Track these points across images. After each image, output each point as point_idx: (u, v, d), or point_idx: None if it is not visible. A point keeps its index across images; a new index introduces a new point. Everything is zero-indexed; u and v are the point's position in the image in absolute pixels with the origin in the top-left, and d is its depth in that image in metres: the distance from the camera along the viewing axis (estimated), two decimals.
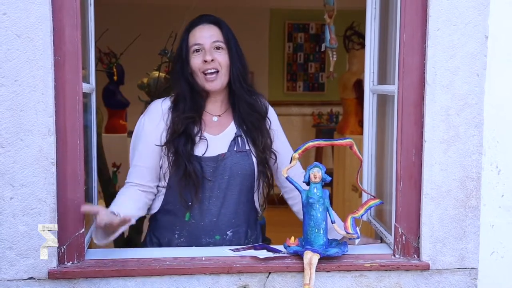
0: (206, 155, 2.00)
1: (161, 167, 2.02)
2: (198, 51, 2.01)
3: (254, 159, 2.04)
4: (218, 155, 2.01)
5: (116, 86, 4.99)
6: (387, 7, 2.09)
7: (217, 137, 2.04)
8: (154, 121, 2.03)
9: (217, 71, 2.00)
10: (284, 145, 2.17)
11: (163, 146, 1.99)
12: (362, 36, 4.63)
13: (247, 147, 2.05)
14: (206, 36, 2.01)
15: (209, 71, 1.99)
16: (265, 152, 2.05)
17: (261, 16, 6.86)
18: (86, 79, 1.99)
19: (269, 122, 2.11)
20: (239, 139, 2.05)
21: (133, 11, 6.14)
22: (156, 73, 3.86)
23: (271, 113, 2.16)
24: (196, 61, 2.01)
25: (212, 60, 1.98)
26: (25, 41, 1.67)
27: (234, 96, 2.06)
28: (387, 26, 2.10)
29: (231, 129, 2.07)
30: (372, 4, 2.18)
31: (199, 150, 2.00)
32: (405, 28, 1.82)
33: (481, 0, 1.80)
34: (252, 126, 2.06)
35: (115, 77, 4.73)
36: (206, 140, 2.01)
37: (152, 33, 4.66)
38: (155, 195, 2.07)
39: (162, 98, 2.10)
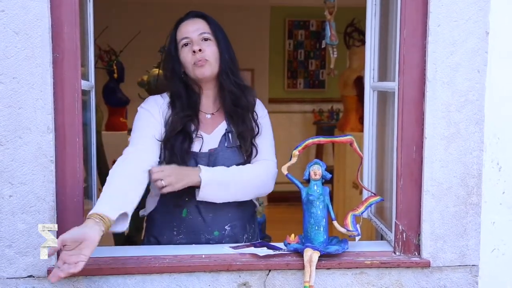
0: (201, 151, 2.01)
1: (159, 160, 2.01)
2: (187, 45, 2.02)
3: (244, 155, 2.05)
4: (209, 150, 2.02)
5: (116, 83, 4.98)
6: (388, 4, 2.08)
7: (210, 135, 2.04)
8: (153, 108, 2.02)
9: (206, 61, 2.00)
10: (263, 142, 2.10)
11: (161, 141, 1.99)
12: (362, 33, 4.62)
13: (238, 143, 2.05)
14: (193, 29, 2.03)
15: (199, 62, 1.99)
16: (252, 146, 2.06)
17: (262, 13, 6.84)
18: (85, 77, 1.98)
19: (256, 116, 2.10)
20: (230, 135, 2.05)
21: (133, 8, 6.13)
22: (156, 71, 3.86)
23: (260, 108, 2.14)
24: (185, 54, 2.02)
25: (200, 50, 1.99)
26: (24, 38, 1.67)
27: (223, 91, 2.06)
28: (388, 22, 2.09)
29: (223, 126, 2.07)
30: (372, 1, 2.17)
31: (195, 147, 2.01)
32: (405, 25, 1.81)
33: None
34: (237, 119, 2.06)
35: (115, 75, 4.71)
36: (202, 137, 2.02)
37: (152, 30, 4.65)
38: (149, 190, 2.06)
39: (157, 95, 2.09)
